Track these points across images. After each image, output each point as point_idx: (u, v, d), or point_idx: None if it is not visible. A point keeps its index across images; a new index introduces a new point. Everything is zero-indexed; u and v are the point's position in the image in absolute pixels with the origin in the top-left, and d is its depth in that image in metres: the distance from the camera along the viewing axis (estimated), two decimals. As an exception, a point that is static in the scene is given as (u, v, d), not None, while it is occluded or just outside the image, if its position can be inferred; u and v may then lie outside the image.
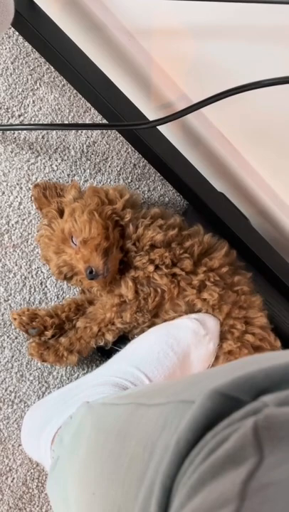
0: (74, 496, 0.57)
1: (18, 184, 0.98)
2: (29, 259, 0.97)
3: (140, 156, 1.08)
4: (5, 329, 0.94)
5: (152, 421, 0.45)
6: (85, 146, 1.04)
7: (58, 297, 0.98)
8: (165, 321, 0.92)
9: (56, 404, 0.84)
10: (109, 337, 0.90)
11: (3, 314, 0.95)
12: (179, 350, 0.85)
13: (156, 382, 0.80)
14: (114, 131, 1.06)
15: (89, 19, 0.97)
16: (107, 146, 1.06)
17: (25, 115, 1.00)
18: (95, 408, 0.66)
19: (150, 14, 0.90)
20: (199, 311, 0.91)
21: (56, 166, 1.02)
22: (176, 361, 0.84)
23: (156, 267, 0.87)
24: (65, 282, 0.98)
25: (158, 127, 1.00)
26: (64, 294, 0.98)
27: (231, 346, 0.89)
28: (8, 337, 0.94)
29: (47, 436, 0.78)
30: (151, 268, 0.86)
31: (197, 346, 0.87)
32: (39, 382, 0.93)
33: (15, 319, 0.90)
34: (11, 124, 0.99)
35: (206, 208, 1.06)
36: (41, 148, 1.01)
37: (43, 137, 1.01)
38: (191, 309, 0.91)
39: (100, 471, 0.51)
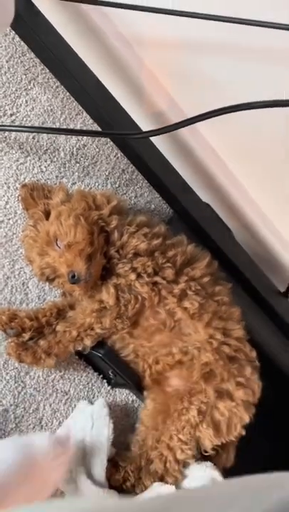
0: None
1: (5, 183, 0.98)
2: (12, 259, 0.97)
3: (129, 162, 1.09)
4: (-16, 327, 0.94)
5: None
6: (74, 148, 1.05)
7: (39, 298, 0.98)
8: (145, 328, 0.93)
9: None
10: (88, 342, 0.90)
11: (-17, 312, 0.95)
12: (30, 467, 0.77)
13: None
14: (105, 136, 1.07)
15: (87, 25, 0.98)
16: (97, 150, 1.07)
17: (17, 114, 1.00)
18: None
19: (150, 25, 0.91)
20: (179, 319, 0.92)
21: (45, 167, 1.02)
22: (26, 478, 0.76)
23: (138, 275, 0.88)
24: (47, 284, 0.98)
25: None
26: (45, 296, 0.99)
27: (209, 358, 0.90)
28: (-14, 335, 0.94)
29: None
30: (133, 276, 0.87)
31: (48, 467, 0.80)
32: (15, 382, 0.94)
33: None
34: (2, 125, 0.99)
35: (191, 217, 1.08)
36: (31, 149, 1.01)
37: (33, 138, 1.01)
38: (171, 317, 0.92)
39: None
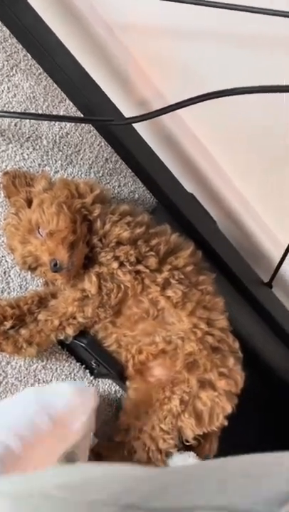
0: None
1: (-13, 171, 0.97)
2: (-6, 248, 0.95)
3: (113, 150, 1.08)
4: None
5: None
6: (57, 136, 1.04)
7: (20, 287, 0.97)
8: (128, 317, 0.92)
9: None
10: (70, 331, 0.90)
11: None
12: (53, 416, 0.80)
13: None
14: (88, 123, 1.06)
15: (71, 12, 0.97)
16: (80, 138, 1.06)
17: (-1, 101, 0.99)
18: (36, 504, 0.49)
19: (133, 11, 0.90)
20: (163, 308, 0.92)
21: (27, 154, 1.01)
22: (51, 428, 0.78)
23: (121, 264, 0.87)
24: (28, 273, 0.97)
25: (133, 124, 1.00)
26: (27, 285, 0.98)
27: (193, 348, 0.90)
28: None
29: None
30: (115, 265, 0.87)
31: (70, 416, 0.83)
32: (-4, 372, 0.93)
33: None
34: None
35: (175, 207, 1.07)
36: (13, 136, 0.99)
37: (15, 125, 1.00)
38: (155, 306, 0.92)
39: None
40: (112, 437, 0.97)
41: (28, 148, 1.01)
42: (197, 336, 0.91)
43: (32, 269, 0.92)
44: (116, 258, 0.87)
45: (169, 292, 0.90)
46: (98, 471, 0.52)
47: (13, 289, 0.96)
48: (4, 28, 0.99)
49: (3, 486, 0.53)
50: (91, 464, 0.57)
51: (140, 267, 0.88)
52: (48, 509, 0.46)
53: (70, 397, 0.84)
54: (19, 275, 0.97)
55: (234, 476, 0.39)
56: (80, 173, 1.05)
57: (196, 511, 0.36)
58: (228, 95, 0.75)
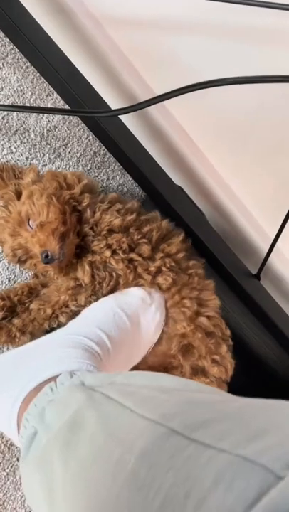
0: (67, 497, 0.48)
1: (-25, 164, 0.96)
2: (-17, 241, 0.95)
3: (101, 144, 1.08)
4: None
5: (194, 461, 0.38)
6: (45, 130, 1.04)
7: (9, 280, 0.97)
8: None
9: (15, 363, 0.76)
10: (63, 319, 0.89)
11: None
12: (130, 314, 0.86)
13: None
14: (75, 117, 1.06)
15: (58, 4, 0.97)
16: (68, 131, 1.06)
17: (-14, 94, 0.99)
18: (100, 401, 0.55)
19: (120, 3, 0.90)
20: None
21: (15, 148, 1.01)
22: (129, 325, 0.85)
23: (114, 252, 0.88)
24: (17, 266, 0.97)
25: (120, 117, 1.00)
26: (16, 278, 0.97)
27: (185, 329, 0.90)
28: None
29: (12, 399, 0.68)
30: (108, 253, 0.87)
31: (144, 313, 0.88)
32: (-13, 365, 0.92)
33: None
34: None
35: (163, 200, 1.07)
36: (0, 130, 0.99)
37: (2, 118, 0.99)
38: None
39: (113, 495, 0.42)
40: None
41: (15, 142, 1.01)
42: (187, 316, 0.91)
43: (22, 261, 0.91)
44: (108, 246, 0.87)
45: (160, 279, 0.90)
46: (169, 384, 0.56)
47: (2, 282, 0.96)
48: (-10, 22, 0.99)
49: (89, 380, 0.61)
50: (166, 375, 0.60)
51: (133, 255, 0.89)
52: (108, 409, 0.52)
53: (140, 296, 0.89)
54: (7, 268, 0.97)
55: (267, 431, 0.38)
56: (68, 166, 1.05)
57: (222, 454, 0.37)
58: (216, 86, 0.76)
